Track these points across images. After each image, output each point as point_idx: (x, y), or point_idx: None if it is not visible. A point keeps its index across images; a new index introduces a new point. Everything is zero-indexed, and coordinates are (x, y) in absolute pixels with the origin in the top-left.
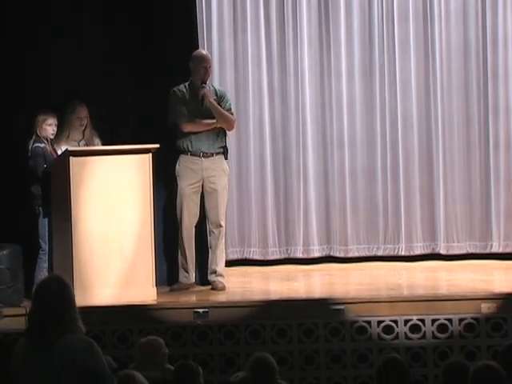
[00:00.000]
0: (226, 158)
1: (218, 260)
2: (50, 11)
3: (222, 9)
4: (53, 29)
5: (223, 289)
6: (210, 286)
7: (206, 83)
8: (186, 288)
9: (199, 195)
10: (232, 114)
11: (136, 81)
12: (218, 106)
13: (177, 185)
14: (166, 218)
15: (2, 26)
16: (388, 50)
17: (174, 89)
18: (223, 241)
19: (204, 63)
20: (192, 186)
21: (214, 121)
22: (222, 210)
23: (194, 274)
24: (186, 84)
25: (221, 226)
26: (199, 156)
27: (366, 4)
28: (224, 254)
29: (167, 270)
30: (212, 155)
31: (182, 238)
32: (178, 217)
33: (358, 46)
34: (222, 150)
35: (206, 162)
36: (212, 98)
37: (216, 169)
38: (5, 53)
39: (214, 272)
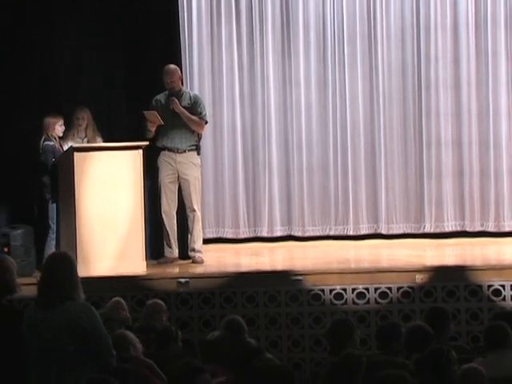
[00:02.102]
0: (198, 154)
1: (196, 239)
2: (56, 25)
3: (201, 27)
4: (56, 40)
5: (202, 262)
6: (190, 260)
7: (178, 91)
8: (170, 262)
9: (176, 184)
10: (202, 118)
11: (130, 90)
12: (186, 112)
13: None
14: (153, 204)
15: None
16: (339, 65)
17: (155, 98)
18: (199, 223)
19: (166, 78)
20: (169, 177)
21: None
22: (195, 197)
23: (176, 250)
24: (166, 92)
25: (194, 210)
26: (174, 152)
27: (321, 27)
28: (201, 234)
29: (155, 247)
30: (185, 151)
31: (162, 219)
32: (159, 202)
33: (314, 61)
34: (194, 147)
35: (179, 157)
36: (178, 107)
37: (188, 163)
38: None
39: (193, 249)
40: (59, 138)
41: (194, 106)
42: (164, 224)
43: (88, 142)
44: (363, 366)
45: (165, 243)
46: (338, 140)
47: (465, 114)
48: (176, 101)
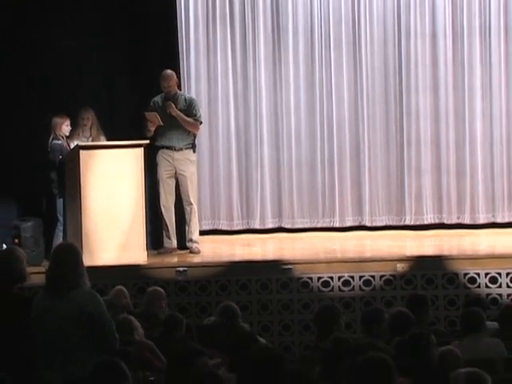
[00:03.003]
0: (194, 152)
1: (193, 230)
2: (56, 25)
3: (197, 34)
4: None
5: (198, 252)
6: (188, 250)
7: (174, 95)
8: (169, 252)
9: (173, 180)
10: (197, 119)
11: (132, 91)
12: (181, 115)
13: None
14: (153, 198)
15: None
16: (326, 68)
17: (152, 99)
18: (196, 215)
19: (163, 82)
20: (167, 173)
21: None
22: (192, 191)
23: (175, 241)
24: (162, 94)
25: (191, 203)
26: (172, 150)
27: (309, 33)
28: (198, 226)
29: (155, 238)
30: (182, 149)
31: (161, 212)
32: (158, 196)
33: (302, 65)
34: (190, 145)
35: (177, 154)
36: (174, 110)
37: (185, 160)
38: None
39: (191, 240)
40: (66, 137)
41: (189, 108)
42: (163, 216)
43: (92, 140)
44: (351, 348)
45: (164, 234)
46: (324, 138)
47: (442, 115)
48: (172, 105)
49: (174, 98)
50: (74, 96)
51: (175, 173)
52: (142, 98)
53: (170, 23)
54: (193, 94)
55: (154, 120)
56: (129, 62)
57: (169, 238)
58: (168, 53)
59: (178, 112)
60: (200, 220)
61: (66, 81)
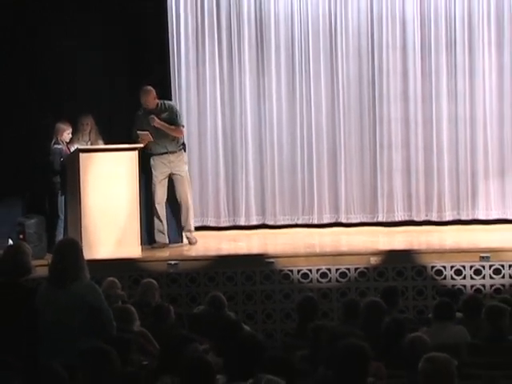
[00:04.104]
0: (185, 151)
1: (190, 223)
2: (56, 25)
3: (187, 48)
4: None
5: (196, 243)
6: (179, 244)
7: (156, 107)
8: (162, 246)
9: (167, 180)
10: (179, 124)
11: (129, 98)
12: (164, 125)
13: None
14: (147, 197)
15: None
16: (305, 79)
17: (136, 114)
18: (192, 210)
19: (142, 98)
20: (162, 174)
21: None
22: (187, 189)
23: (167, 236)
24: (142, 108)
25: (187, 199)
26: (167, 154)
27: (290, 47)
28: (193, 219)
29: (149, 233)
30: (175, 152)
31: (156, 209)
32: (153, 195)
33: (284, 76)
34: (181, 147)
35: (172, 157)
36: (158, 123)
37: (179, 161)
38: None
39: (189, 230)
40: (67, 142)
41: (171, 115)
42: (157, 213)
43: (91, 144)
44: (330, 335)
45: (157, 230)
46: (304, 143)
47: (412, 121)
48: (155, 118)
49: (155, 112)
50: (73, 96)
51: (169, 174)
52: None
53: (162, 38)
54: (183, 101)
55: (146, 138)
56: (129, 62)
57: (162, 232)
58: (161, 65)
59: (162, 123)
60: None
61: (65, 81)
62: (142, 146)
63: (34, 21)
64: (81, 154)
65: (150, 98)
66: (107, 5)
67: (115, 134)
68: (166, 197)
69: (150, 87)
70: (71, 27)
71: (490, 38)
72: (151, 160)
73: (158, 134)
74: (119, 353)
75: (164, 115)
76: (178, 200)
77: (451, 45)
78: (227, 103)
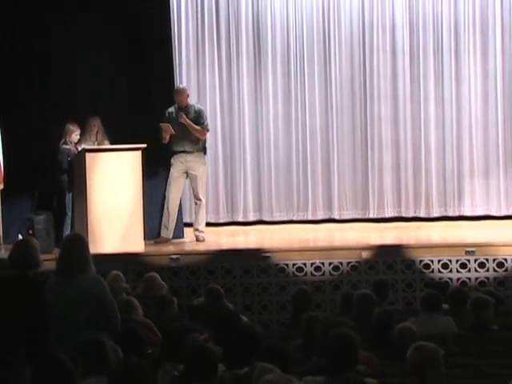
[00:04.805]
0: (204, 154)
1: (200, 221)
2: (56, 25)
3: (188, 53)
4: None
5: (203, 241)
6: (188, 239)
7: (186, 106)
8: (164, 241)
9: (184, 178)
10: (204, 127)
11: (132, 100)
12: (191, 124)
13: (165, 172)
14: (155, 195)
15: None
16: (300, 82)
17: (167, 110)
18: (204, 209)
19: (176, 96)
20: (178, 172)
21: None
22: (201, 189)
23: (172, 232)
24: (175, 105)
25: (200, 199)
26: (185, 153)
27: (285, 51)
28: (205, 218)
29: (153, 229)
30: (193, 152)
31: (168, 205)
32: (167, 191)
33: (280, 79)
34: (201, 148)
35: (189, 157)
36: (186, 120)
37: (197, 161)
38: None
39: (197, 229)
40: (76, 143)
41: (198, 118)
42: (168, 209)
43: (98, 144)
44: (323, 326)
45: (163, 225)
46: (299, 143)
47: (401, 121)
48: (183, 115)
49: (185, 109)
50: (73, 96)
51: (186, 172)
52: (142, 98)
53: (165, 44)
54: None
55: (167, 130)
56: (129, 61)
57: (167, 228)
58: (164, 69)
59: (189, 121)
60: (190, 215)
61: (65, 81)
62: (166, 138)
63: (34, 21)
64: (87, 154)
65: (184, 97)
66: (107, 5)
67: (115, 133)
68: (179, 194)
69: (183, 86)
70: (71, 27)
71: (476, 45)
72: (172, 158)
73: (182, 131)
74: (126, 343)
75: (192, 116)
76: (193, 199)
77: (438, 51)
78: (226, 106)
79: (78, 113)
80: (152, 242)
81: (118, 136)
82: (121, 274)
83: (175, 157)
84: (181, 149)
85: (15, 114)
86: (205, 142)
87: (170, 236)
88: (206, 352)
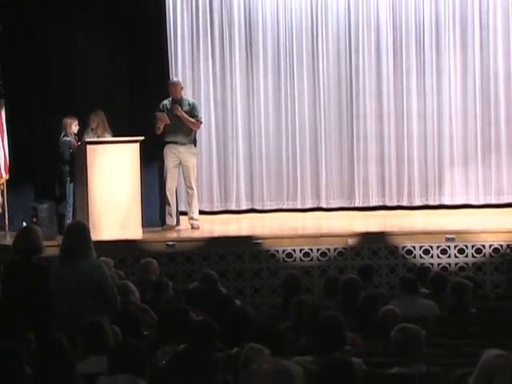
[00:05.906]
0: (195, 146)
1: (194, 210)
2: (56, 25)
3: (184, 49)
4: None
5: (198, 228)
6: (183, 227)
7: (180, 99)
8: (171, 228)
9: (177, 169)
10: (198, 120)
11: (131, 95)
12: (186, 116)
13: (161, 163)
14: (152, 185)
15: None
16: (290, 77)
17: (161, 103)
18: (196, 198)
19: (171, 88)
20: (173, 163)
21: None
22: (193, 178)
23: (175, 219)
24: (170, 98)
25: (192, 188)
26: (178, 144)
27: (276, 48)
28: (197, 207)
29: (151, 217)
30: (185, 144)
31: (166, 194)
32: (164, 182)
33: (270, 75)
34: (192, 140)
35: (181, 148)
36: (180, 112)
37: (189, 152)
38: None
39: (192, 218)
40: (75, 134)
41: (192, 110)
42: (167, 198)
43: (99, 137)
44: (311, 309)
45: (167, 213)
46: (289, 135)
47: (385, 115)
48: (178, 107)
49: (180, 102)
50: (73, 96)
51: (179, 163)
52: (142, 98)
53: (161, 40)
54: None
55: (162, 119)
56: (129, 61)
57: (171, 215)
58: (160, 64)
59: (183, 113)
60: (185, 203)
61: (66, 80)
62: (160, 128)
63: (34, 21)
64: (88, 146)
65: (178, 90)
66: (107, 5)
67: (115, 128)
68: (175, 183)
69: (177, 79)
70: (71, 27)
71: (455, 40)
72: (164, 149)
73: (176, 123)
74: (123, 324)
75: (186, 108)
76: (185, 188)
77: (420, 47)
78: (219, 99)
79: (78, 112)
80: (160, 228)
81: (117, 129)
82: (110, 260)
83: (168, 147)
84: (173, 139)
85: (16, 113)
86: (195, 134)
87: (174, 223)
88: (210, 326)
